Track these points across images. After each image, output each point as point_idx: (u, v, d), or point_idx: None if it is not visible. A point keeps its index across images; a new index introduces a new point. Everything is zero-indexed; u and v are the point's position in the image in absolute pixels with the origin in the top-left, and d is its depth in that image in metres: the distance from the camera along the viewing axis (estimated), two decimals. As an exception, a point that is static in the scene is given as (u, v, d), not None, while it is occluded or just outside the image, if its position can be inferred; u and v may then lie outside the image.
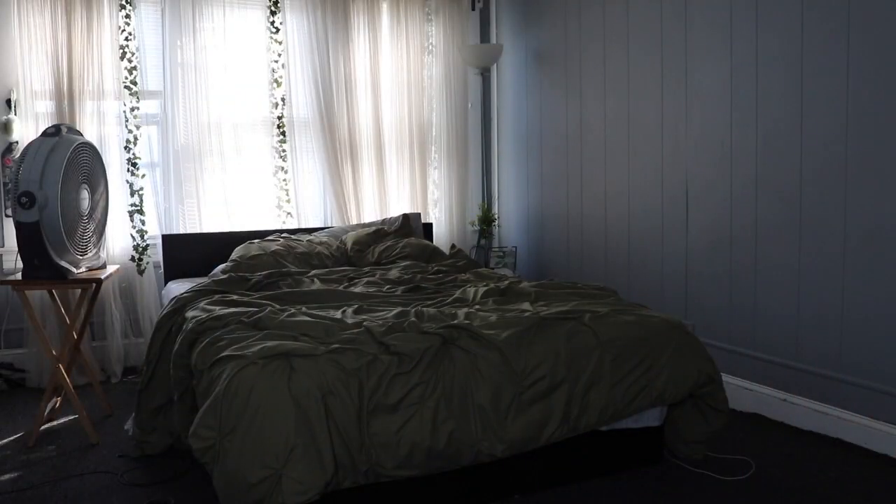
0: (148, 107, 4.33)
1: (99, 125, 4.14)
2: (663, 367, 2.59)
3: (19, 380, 4.00)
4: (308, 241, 4.12)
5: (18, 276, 3.16)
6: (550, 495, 2.54)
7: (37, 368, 3.98)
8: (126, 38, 4.18)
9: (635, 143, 3.98)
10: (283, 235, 4.20)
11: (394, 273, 3.61)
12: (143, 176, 4.25)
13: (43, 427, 3.21)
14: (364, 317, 2.69)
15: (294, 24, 4.64)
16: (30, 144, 3.15)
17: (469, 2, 5.15)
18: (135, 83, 4.19)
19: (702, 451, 2.78)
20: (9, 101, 3.99)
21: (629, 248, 4.13)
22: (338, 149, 4.70)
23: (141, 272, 4.24)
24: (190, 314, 2.80)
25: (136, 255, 4.23)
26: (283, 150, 4.63)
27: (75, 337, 3.45)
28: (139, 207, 4.23)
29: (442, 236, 5.08)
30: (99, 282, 3.31)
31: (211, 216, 4.44)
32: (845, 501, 2.48)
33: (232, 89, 4.47)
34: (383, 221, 4.59)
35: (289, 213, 4.66)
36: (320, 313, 2.73)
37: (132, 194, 4.22)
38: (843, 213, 2.95)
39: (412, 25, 4.93)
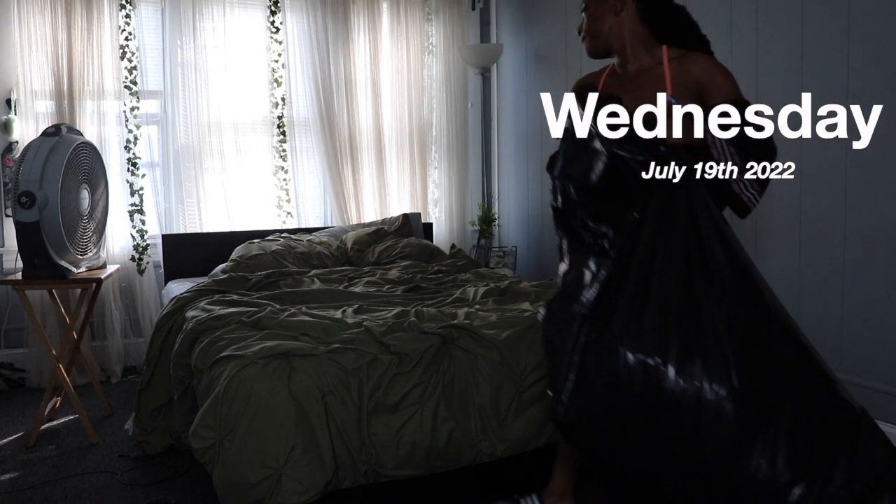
0: (148, 107, 4.32)
1: (99, 125, 4.14)
2: (663, 367, 2.58)
3: (19, 380, 3.99)
4: (308, 240, 4.12)
5: (18, 275, 3.16)
6: (550, 495, 2.53)
7: (37, 368, 3.97)
8: (126, 38, 4.17)
9: (635, 143, 3.98)
10: (283, 235, 4.20)
11: (394, 273, 3.61)
12: (144, 176, 4.25)
13: (43, 427, 3.21)
14: (364, 317, 2.69)
15: (294, 23, 4.63)
16: (30, 144, 3.15)
17: (469, 2, 5.14)
18: (135, 83, 4.18)
19: (702, 450, 2.77)
20: (9, 101, 3.99)
21: (629, 247, 4.12)
22: (338, 149, 4.69)
23: (141, 272, 4.24)
24: (190, 314, 2.80)
25: (136, 255, 4.22)
26: (284, 150, 4.62)
27: (75, 337, 3.45)
28: (139, 207, 4.23)
29: (442, 236, 5.07)
30: (99, 281, 3.31)
31: (211, 216, 4.43)
32: (845, 501, 2.47)
33: (232, 89, 4.46)
34: (383, 221, 4.58)
35: (289, 213, 4.66)
36: (320, 313, 2.73)
37: (132, 194, 4.21)
38: (843, 214, 2.95)
39: (412, 25, 4.92)
